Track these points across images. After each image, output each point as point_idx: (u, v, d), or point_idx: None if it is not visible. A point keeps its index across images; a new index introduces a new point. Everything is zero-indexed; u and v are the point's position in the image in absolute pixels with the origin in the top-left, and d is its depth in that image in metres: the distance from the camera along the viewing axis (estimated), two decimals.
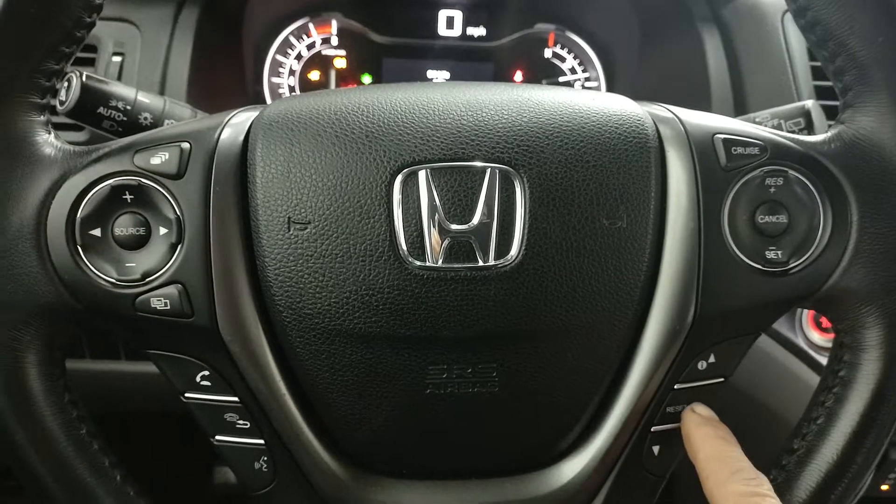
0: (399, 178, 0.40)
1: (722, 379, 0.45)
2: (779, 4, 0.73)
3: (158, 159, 0.41)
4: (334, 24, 0.95)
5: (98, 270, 0.41)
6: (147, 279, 0.41)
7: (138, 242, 0.41)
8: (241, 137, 0.43)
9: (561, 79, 0.98)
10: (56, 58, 0.41)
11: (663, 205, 0.43)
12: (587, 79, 0.98)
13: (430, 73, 0.97)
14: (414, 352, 0.42)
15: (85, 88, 0.54)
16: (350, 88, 0.46)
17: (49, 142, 0.42)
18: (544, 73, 0.98)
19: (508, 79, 0.97)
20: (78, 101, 0.54)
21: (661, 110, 0.46)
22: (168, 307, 0.41)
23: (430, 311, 0.41)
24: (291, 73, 0.96)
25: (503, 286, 0.41)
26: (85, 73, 0.54)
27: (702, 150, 0.43)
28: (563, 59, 0.98)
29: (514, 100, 0.44)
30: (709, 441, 0.42)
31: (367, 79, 0.97)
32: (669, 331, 0.43)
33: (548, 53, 0.98)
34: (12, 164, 0.40)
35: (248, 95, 0.91)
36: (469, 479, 0.46)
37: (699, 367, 0.44)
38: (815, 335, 0.69)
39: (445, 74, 0.97)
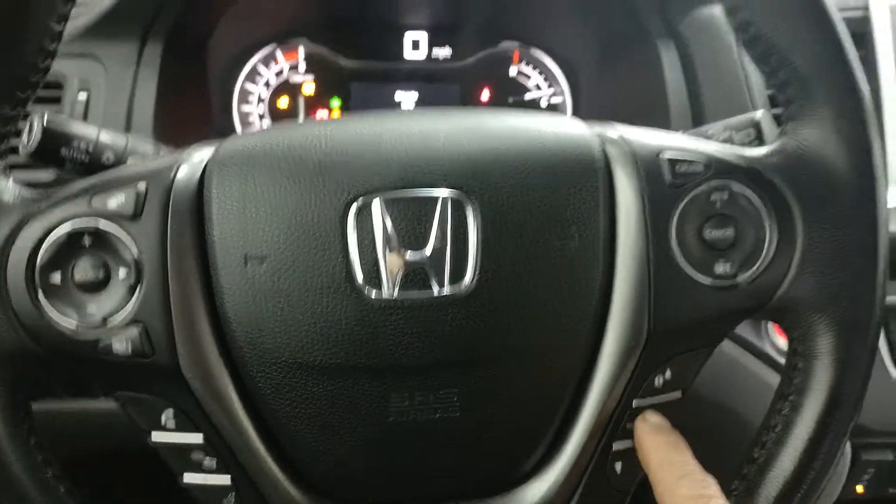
0: (353, 209, 0.41)
1: (680, 393, 0.45)
2: None
3: (115, 202, 0.42)
4: (301, 50, 0.96)
5: (59, 315, 0.41)
6: (108, 322, 0.41)
7: (98, 285, 0.42)
8: (198, 175, 0.43)
9: (527, 96, 0.99)
10: (11, 104, 0.41)
11: (613, 223, 0.44)
12: (553, 94, 0.99)
13: (399, 96, 0.98)
14: (375, 381, 0.42)
15: (47, 130, 0.54)
16: (305, 122, 0.47)
17: (7, 188, 0.42)
18: (511, 91, 0.99)
19: (476, 98, 0.99)
20: (40, 144, 0.54)
21: (610, 130, 0.47)
22: (129, 349, 0.41)
23: (389, 339, 0.41)
24: (260, 100, 0.96)
25: (459, 312, 0.42)
26: (46, 115, 0.55)
27: (648, 168, 0.44)
28: (528, 77, 0.99)
29: (466, 127, 0.45)
30: (660, 448, 0.43)
31: (335, 103, 0.98)
32: (625, 347, 0.44)
33: (513, 71, 0.99)
34: None
35: (215, 126, 0.92)
36: None
37: (656, 382, 0.45)
38: (780, 340, 0.71)
39: (413, 96, 0.98)
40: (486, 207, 0.42)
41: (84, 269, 0.42)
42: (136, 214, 0.42)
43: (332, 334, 0.41)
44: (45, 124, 0.54)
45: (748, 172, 0.44)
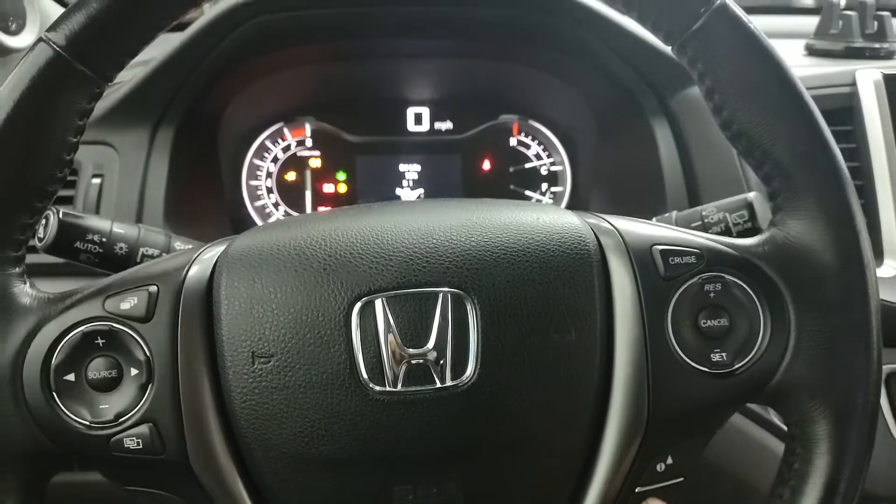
0: (356, 308, 0.43)
1: (681, 479, 0.46)
2: None
3: (128, 304, 0.43)
4: (308, 126, 0.99)
5: (73, 414, 0.42)
6: (120, 420, 0.42)
7: (111, 384, 0.43)
8: (207, 275, 0.45)
9: (527, 165, 1.02)
10: (30, 213, 0.44)
11: (609, 315, 0.45)
12: (552, 163, 1.02)
13: (402, 167, 1.01)
14: (379, 474, 0.43)
15: (62, 225, 0.57)
16: (310, 218, 0.49)
17: (25, 292, 0.44)
18: (511, 161, 1.02)
19: (477, 168, 1.01)
20: (55, 239, 0.56)
21: (602, 222, 0.48)
22: (140, 446, 0.42)
23: (393, 433, 0.42)
24: (269, 175, 0.99)
25: (461, 405, 0.43)
26: (62, 211, 0.57)
27: (641, 261, 0.46)
28: (528, 147, 1.02)
29: (462, 223, 0.46)
30: None
31: (341, 176, 1.00)
32: (626, 436, 0.44)
33: (513, 142, 1.02)
34: None
35: (226, 202, 0.94)
36: None
37: (658, 469, 0.45)
38: None
39: (417, 167, 1.01)
40: (485, 303, 0.43)
41: (97, 369, 0.43)
42: (148, 317, 0.43)
43: (336, 428, 0.42)
44: (60, 218, 0.57)
45: (740, 263, 0.46)
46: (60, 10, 1.02)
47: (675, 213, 0.62)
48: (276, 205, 1.00)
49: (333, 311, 0.43)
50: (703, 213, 0.60)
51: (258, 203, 0.99)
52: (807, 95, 0.45)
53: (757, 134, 0.45)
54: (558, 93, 0.94)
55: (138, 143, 0.78)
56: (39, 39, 0.43)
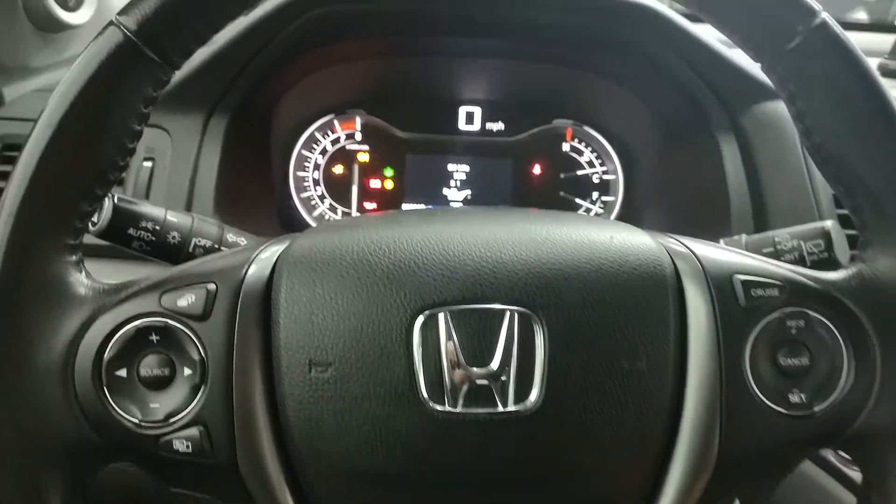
0: (419, 321, 0.41)
1: None
2: None
3: (185, 301, 0.42)
4: (358, 120, 0.97)
5: (123, 411, 0.41)
6: (170, 420, 0.41)
7: (163, 383, 0.42)
8: (266, 275, 0.44)
9: (579, 172, 0.99)
10: (90, 200, 0.42)
11: (683, 345, 0.43)
12: (605, 171, 0.99)
13: (451, 167, 0.99)
14: (431, 495, 0.42)
15: (116, 211, 0.56)
16: (373, 222, 0.47)
17: (81, 281, 0.43)
18: (563, 167, 0.99)
19: (527, 172, 0.99)
20: (109, 224, 0.55)
21: (678, 245, 0.46)
22: (189, 449, 0.41)
23: (450, 454, 0.41)
24: (316, 167, 0.98)
25: (523, 430, 0.41)
26: (117, 196, 0.56)
27: (720, 289, 0.43)
28: (580, 153, 0.99)
29: (532, 238, 0.44)
30: None
31: (389, 172, 0.99)
32: (692, 472, 0.42)
33: (566, 147, 0.99)
34: (45, 306, 0.41)
35: (275, 194, 0.93)
36: None
37: None
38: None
39: (465, 168, 0.99)
40: (554, 324, 0.41)
41: (150, 366, 0.42)
42: (205, 316, 0.42)
43: (392, 445, 0.41)
44: (115, 204, 0.56)
45: (825, 298, 0.43)
46: None
47: (744, 236, 0.59)
48: (321, 197, 0.99)
49: (395, 323, 0.41)
50: (776, 240, 0.57)
51: (304, 195, 0.98)
52: None
53: (850, 161, 0.43)
54: (618, 100, 0.92)
55: (192, 128, 0.77)
56: (110, 23, 0.41)
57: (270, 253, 0.45)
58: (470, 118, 0.99)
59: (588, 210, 0.99)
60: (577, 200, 0.99)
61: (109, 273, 0.73)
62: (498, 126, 0.99)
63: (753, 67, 0.77)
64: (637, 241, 0.45)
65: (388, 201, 0.99)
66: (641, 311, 0.42)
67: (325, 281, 0.42)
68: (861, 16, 1.32)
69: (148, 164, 0.77)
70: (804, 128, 0.44)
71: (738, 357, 0.42)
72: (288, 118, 0.92)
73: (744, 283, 0.43)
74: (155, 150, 0.77)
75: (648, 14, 0.77)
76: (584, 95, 0.96)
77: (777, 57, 0.43)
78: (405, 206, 0.99)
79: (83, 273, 0.44)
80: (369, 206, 0.99)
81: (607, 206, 0.99)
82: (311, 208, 0.98)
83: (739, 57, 0.77)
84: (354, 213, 0.99)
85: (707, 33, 0.77)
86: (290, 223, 0.96)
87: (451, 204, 0.99)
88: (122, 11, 0.41)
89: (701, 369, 0.42)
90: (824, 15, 0.41)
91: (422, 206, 0.99)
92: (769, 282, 0.43)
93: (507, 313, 0.41)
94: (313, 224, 0.98)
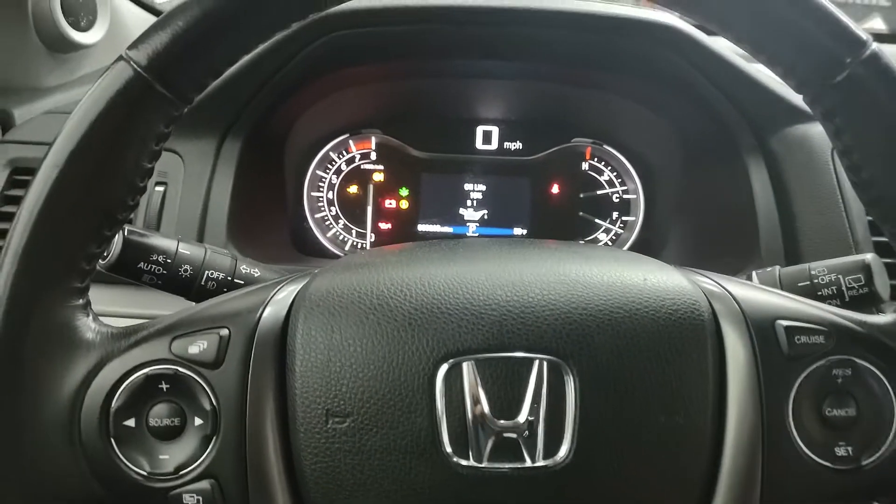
0: (442, 370, 0.39)
1: None
2: None
3: (196, 348, 0.40)
4: (373, 140, 0.96)
5: (131, 462, 0.39)
6: (180, 472, 0.39)
7: (173, 433, 0.40)
8: (282, 318, 0.42)
9: (599, 191, 0.97)
10: (98, 241, 0.41)
11: (723, 395, 0.40)
12: (625, 191, 0.97)
13: (467, 187, 0.97)
14: None
15: (126, 244, 0.54)
16: (392, 260, 0.45)
17: (88, 326, 0.41)
18: (582, 187, 0.97)
19: (546, 192, 0.97)
20: (118, 258, 0.54)
21: (714, 285, 0.44)
22: (201, 503, 0.39)
23: None
24: (331, 187, 0.96)
25: (553, 487, 0.38)
26: (127, 228, 0.55)
27: (762, 336, 0.41)
28: (600, 172, 0.97)
29: (560, 278, 0.42)
30: None
31: (404, 192, 0.97)
32: None
33: (585, 166, 0.97)
34: (50, 356, 0.40)
35: (289, 215, 0.91)
36: None
37: None
38: None
39: (482, 188, 0.97)
40: (586, 374, 0.39)
41: (159, 416, 0.40)
42: (218, 363, 0.40)
43: (414, 501, 0.38)
44: (125, 237, 0.54)
45: (873, 345, 0.41)
46: (132, 6, 1.01)
47: (778, 268, 0.57)
48: (336, 218, 0.97)
49: (417, 372, 0.39)
50: (813, 273, 0.54)
51: (318, 215, 0.96)
52: None
53: None
54: (639, 118, 0.89)
55: (205, 152, 0.76)
56: (120, 58, 0.40)
57: (286, 294, 0.43)
58: (487, 137, 0.97)
59: (608, 230, 0.97)
60: (597, 220, 0.97)
61: (118, 300, 0.73)
62: (516, 145, 0.97)
63: (782, 88, 0.75)
64: (672, 283, 0.43)
65: (404, 222, 0.97)
66: (679, 359, 0.40)
67: (344, 326, 0.40)
68: (877, 24, 1.29)
69: (160, 188, 0.75)
70: (850, 163, 0.41)
71: (780, 408, 0.40)
72: (302, 139, 0.90)
73: (787, 329, 0.41)
74: (167, 174, 0.76)
75: (670, 32, 0.74)
76: (603, 114, 0.93)
77: (822, 90, 0.40)
78: (420, 227, 0.97)
79: (90, 316, 0.42)
80: (384, 226, 0.97)
81: (627, 226, 0.97)
82: (325, 229, 0.97)
83: (767, 76, 0.75)
84: (369, 233, 0.97)
85: (730, 49, 0.74)
86: (303, 245, 0.94)
87: (468, 224, 0.97)
88: (133, 45, 0.39)
89: (741, 421, 0.40)
90: (874, 46, 0.39)
91: (438, 227, 0.97)
92: (814, 327, 0.41)
93: (536, 362, 0.39)
94: (327, 244, 0.96)
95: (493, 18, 0.74)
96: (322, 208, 0.96)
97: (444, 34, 0.78)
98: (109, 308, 0.71)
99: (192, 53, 0.40)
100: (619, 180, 0.97)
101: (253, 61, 0.74)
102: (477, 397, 0.38)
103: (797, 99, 0.74)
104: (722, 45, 0.75)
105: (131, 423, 0.40)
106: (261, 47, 0.73)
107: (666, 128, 0.87)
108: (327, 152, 0.96)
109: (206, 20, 0.39)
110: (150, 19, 0.93)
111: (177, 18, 0.39)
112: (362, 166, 0.96)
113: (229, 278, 0.57)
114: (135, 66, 0.39)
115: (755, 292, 0.43)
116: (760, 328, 0.41)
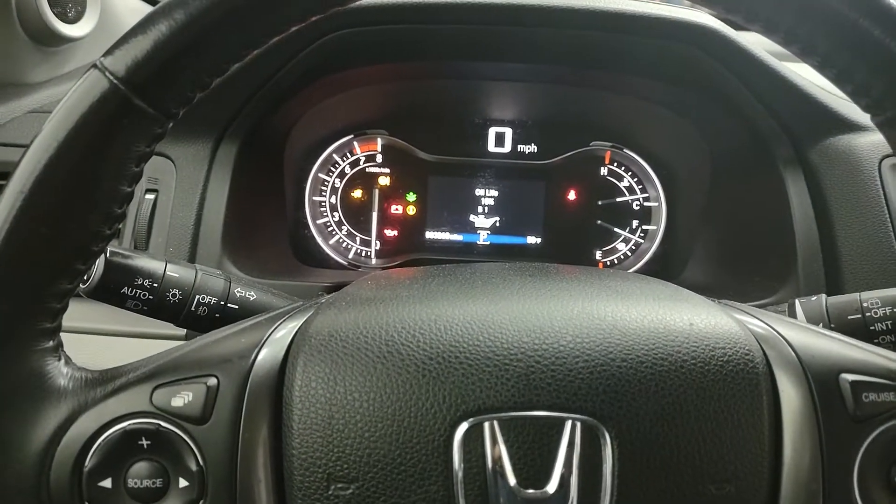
0: (460, 430, 0.34)
1: None
2: (876, 149, 0.65)
3: (181, 400, 0.35)
4: (379, 141, 0.90)
5: None
6: None
7: (154, 496, 0.35)
8: (278, 365, 0.37)
9: (618, 199, 0.91)
10: (69, 277, 0.36)
11: (778, 461, 0.35)
12: (646, 198, 0.91)
13: (478, 192, 0.92)
14: None
15: (109, 266, 0.49)
16: (404, 294, 0.40)
17: (59, 370, 0.36)
18: (600, 193, 0.92)
19: (562, 198, 0.92)
20: (100, 282, 0.49)
21: (767, 330, 0.38)
22: None
23: None
24: (334, 191, 0.91)
25: None
26: (109, 249, 0.50)
27: (825, 394, 0.36)
28: (620, 178, 0.92)
29: (596, 323, 0.37)
30: None
31: (411, 196, 0.92)
32: None
33: (603, 171, 0.92)
34: (17, 408, 0.35)
35: (289, 222, 0.86)
36: None
37: None
38: None
39: (494, 193, 0.92)
40: (625, 438, 0.34)
41: (139, 476, 0.35)
42: (205, 418, 0.35)
43: None
44: (107, 259, 0.49)
45: None
46: None
47: (824, 297, 0.52)
48: (339, 224, 0.92)
49: (432, 433, 0.34)
50: (865, 305, 0.49)
51: (320, 221, 0.91)
52: None
53: None
54: (663, 122, 0.84)
55: (199, 156, 0.71)
56: (93, 65, 0.34)
57: (283, 333, 0.38)
58: (500, 139, 0.92)
59: (627, 240, 0.92)
60: (616, 229, 0.92)
61: (98, 318, 0.67)
62: (530, 148, 0.92)
63: (824, 94, 0.69)
64: (721, 328, 0.37)
65: (411, 229, 0.92)
66: (731, 420, 0.35)
67: (348, 377, 0.35)
68: None
69: (150, 196, 0.70)
70: None
71: (845, 475, 0.35)
72: (303, 141, 0.85)
73: (853, 384, 0.36)
74: (159, 180, 0.71)
75: (699, 31, 0.68)
76: (624, 116, 0.88)
77: None
78: (428, 235, 0.92)
79: (62, 360, 0.37)
80: (390, 233, 0.92)
81: (648, 236, 0.92)
82: (327, 236, 0.92)
83: (806, 81, 0.69)
84: (374, 240, 0.92)
85: (762, 46, 0.68)
86: (304, 254, 0.89)
87: (479, 231, 0.92)
88: (109, 52, 0.34)
89: (800, 491, 0.35)
90: None
91: (447, 235, 0.92)
92: (884, 383, 0.36)
93: (568, 423, 0.34)
94: (330, 252, 0.91)
95: (510, 17, 0.69)
96: (324, 214, 0.91)
97: (456, 33, 0.72)
98: (86, 324, 0.66)
99: (176, 62, 0.34)
100: (640, 187, 0.92)
101: (251, 59, 0.68)
102: (500, 463, 0.34)
103: (841, 107, 0.69)
104: (754, 42, 0.69)
105: (107, 483, 0.35)
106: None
107: (692, 132, 0.81)
108: (330, 154, 0.91)
109: (195, 24, 0.34)
110: (146, 9, 0.87)
111: (160, 20, 0.34)
112: (367, 169, 0.91)
113: (222, 303, 0.52)
114: (110, 76, 0.34)
115: (812, 338, 0.38)
116: (822, 383, 0.36)
